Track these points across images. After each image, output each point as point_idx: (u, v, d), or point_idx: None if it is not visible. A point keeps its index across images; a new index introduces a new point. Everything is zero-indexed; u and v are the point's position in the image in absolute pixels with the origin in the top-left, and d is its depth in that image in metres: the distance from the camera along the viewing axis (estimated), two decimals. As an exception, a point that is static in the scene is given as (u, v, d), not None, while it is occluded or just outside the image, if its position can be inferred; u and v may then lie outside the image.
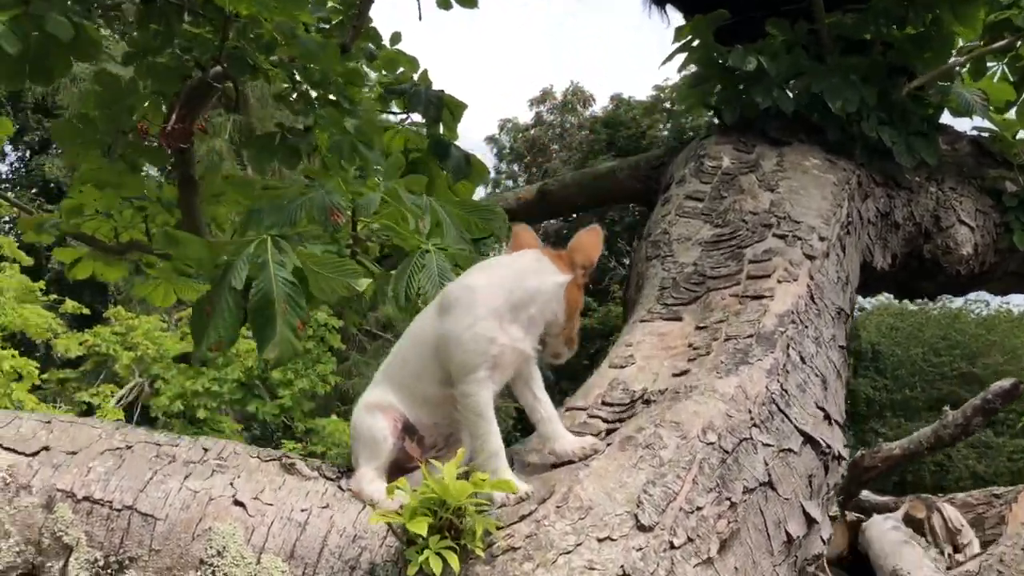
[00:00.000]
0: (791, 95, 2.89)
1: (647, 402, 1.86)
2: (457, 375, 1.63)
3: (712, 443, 1.70)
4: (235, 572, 1.46)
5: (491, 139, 24.28)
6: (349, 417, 1.81)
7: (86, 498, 1.50)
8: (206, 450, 1.68)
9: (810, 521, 1.81)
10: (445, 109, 3.62)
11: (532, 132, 23.15)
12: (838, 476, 1.97)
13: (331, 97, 2.95)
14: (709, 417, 1.75)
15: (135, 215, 3.54)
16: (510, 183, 22.46)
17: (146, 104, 3.18)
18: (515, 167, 23.36)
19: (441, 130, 3.69)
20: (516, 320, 1.66)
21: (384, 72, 3.66)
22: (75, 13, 2.70)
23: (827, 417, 1.95)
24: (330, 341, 15.94)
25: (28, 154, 17.40)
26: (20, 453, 1.55)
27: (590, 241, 1.73)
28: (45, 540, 1.47)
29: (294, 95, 2.92)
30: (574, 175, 3.24)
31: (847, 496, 8.40)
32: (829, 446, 1.91)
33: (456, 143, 3.70)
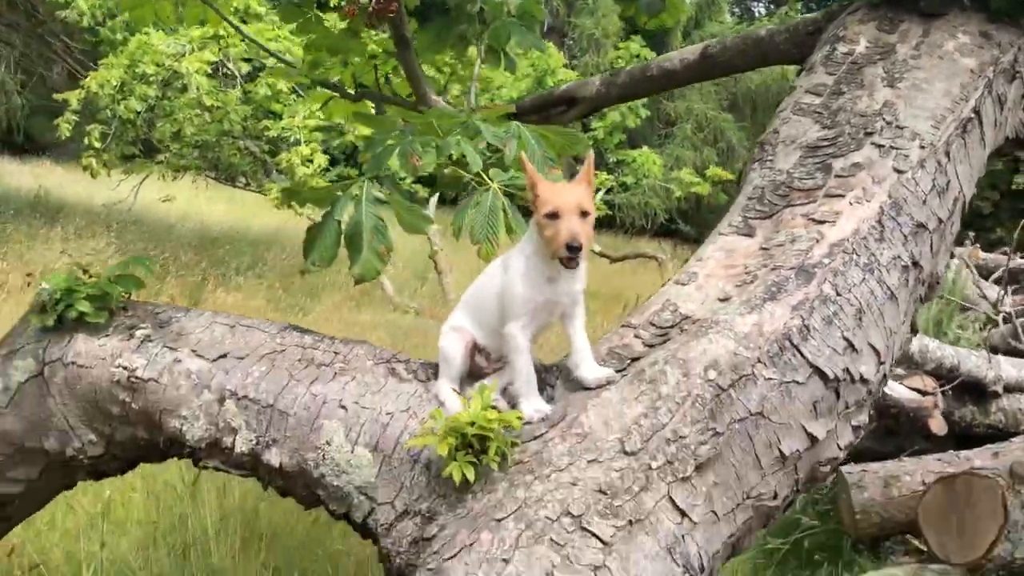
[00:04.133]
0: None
1: (681, 330, 2.22)
2: (506, 320, 2.11)
3: (711, 380, 2.06)
4: (337, 457, 2.11)
5: None
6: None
7: (245, 396, 2.19)
8: (336, 353, 2.30)
9: (812, 439, 2.14)
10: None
11: None
12: (862, 393, 2.23)
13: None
14: (715, 356, 2.09)
15: (368, 63, 4.12)
16: None
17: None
18: None
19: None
20: (544, 277, 2.09)
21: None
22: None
23: (851, 345, 2.20)
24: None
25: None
26: (206, 359, 2.25)
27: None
28: (220, 423, 2.19)
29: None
30: (734, 39, 3.30)
31: None
32: (846, 373, 2.18)
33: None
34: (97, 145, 12.91)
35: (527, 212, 2.25)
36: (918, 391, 5.90)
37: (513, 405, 2.13)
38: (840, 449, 2.24)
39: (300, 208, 12.82)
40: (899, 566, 5.20)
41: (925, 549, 5.57)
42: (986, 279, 8.47)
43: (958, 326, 7.72)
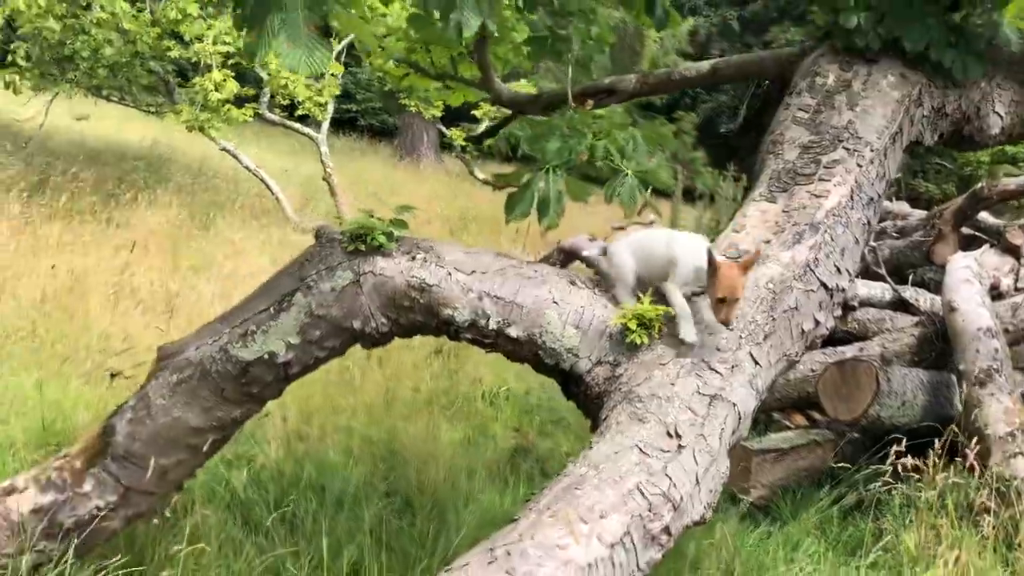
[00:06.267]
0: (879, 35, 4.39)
1: (745, 259, 3.78)
2: (670, 279, 3.58)
3: (770, 289, 3.63)
4: (553, 331, 3.57)
5: None
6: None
7: (496, 296, 3.60)
8: (535, 271, 3.73)
9: (817, 322, 3.76)
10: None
11: None
12: (841, 297, 3.87)
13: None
14: (771, 275, 3.67)
15: (445, 51, 5.43)
16: None
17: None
18: None
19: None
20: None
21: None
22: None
23: (839, 270, 3.82)
24: None
25: None
26: (464, 273, 3.64)
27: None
28: (479, 311, 3.60)
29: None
30: (738, 58, 4.85)
31: (964, 218, 10.09)
32: (836, 285, 3.80)
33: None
34: (22, 63, 13.25)
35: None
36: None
37: (654, 302, 3.64)
38: (827, 330, 3.88)
39: (212, 136, 13.74)
40: (790, 430, 7.09)
41: (805, 422, 7.47)
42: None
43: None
